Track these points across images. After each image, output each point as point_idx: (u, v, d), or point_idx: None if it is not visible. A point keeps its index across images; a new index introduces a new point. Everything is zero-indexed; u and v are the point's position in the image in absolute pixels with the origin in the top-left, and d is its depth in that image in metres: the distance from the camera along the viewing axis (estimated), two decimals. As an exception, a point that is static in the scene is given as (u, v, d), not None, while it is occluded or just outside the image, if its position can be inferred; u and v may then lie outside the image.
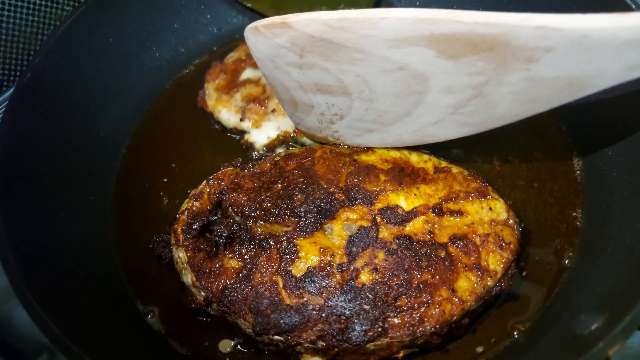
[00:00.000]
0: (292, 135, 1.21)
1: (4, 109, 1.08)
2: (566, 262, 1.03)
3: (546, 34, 0.76)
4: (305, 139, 1.20)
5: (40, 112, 1.14)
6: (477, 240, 0.96)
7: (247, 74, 1.31)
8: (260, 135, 1.22)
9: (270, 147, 1.23)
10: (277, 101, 1.21)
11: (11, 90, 1.11)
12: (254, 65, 1.31)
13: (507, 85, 0.86)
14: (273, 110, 1.22)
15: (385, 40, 0.86)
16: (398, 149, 1.12)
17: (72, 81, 1.24)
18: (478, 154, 1.19)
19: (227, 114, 1.27)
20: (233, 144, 1.28)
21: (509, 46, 0.80)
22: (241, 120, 1.25)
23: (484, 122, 0.97)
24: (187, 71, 1.49)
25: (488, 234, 0.96)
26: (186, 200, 1.09)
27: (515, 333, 0.96)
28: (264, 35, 0.94)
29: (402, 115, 1.01)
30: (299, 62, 0.96)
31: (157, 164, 1.28)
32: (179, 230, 1.04)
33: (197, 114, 1.35)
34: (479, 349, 0.95)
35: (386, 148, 1.12)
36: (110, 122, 1.33)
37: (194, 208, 1.06)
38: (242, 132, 1.26)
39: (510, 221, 0.99)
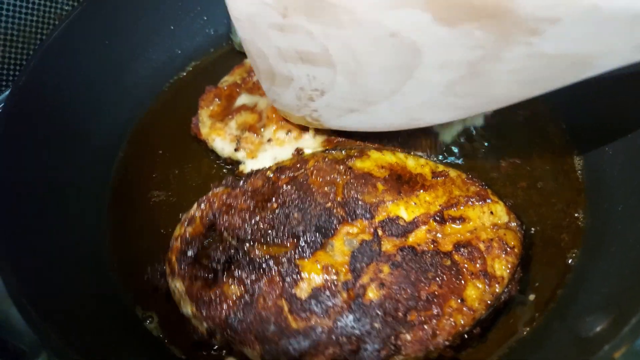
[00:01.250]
0: None
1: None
2: (570, 262, 1.02)
3: (555, 1, 0.70)
4: None
5: (34, 117, 1.12)
6: (482, 246, 0.94)
7: (243, 99, 1.25)
8: (256, 165, 1.15)
9: None
10: (273, 129, 1.18)
11: (9, 91, 1.13)
12: (250, 91, 1.26)
13: (506, 62, 0.79)
14: (269, 140, 1.17)
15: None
16: (393, 152, 1.09)
17: (67, 86, 1.21)
18: (477, 155, 1.17)
19: (222, 143, 1.20)
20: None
21: (513, 14, 0.73)
22: (236, 150, 1.18)
23: (476, 104, 0.90)
24: (184, 74, 1.46)
25: (491, 239, 0.95)
26: (178, 226, 1.05)
27: (520, 336, 0.96)
28: None
29: (389, 92, 0.93)
30: (282, 24, 0.89)
31: (155, 168, 1.26)
32: (174, 259, 0.99)
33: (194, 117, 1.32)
34: (489, 356, 0.94)
35: (381, 152, 1.09)
36: (107, 126, 1.30)
37: (187, 234, 1.02)
38: (237, 163, 1.20)
39: (512, 224, 0.98)
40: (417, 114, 0.96)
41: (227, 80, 1.32)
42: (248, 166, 1.17)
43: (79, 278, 1.02)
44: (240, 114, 1.22)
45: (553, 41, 0.74)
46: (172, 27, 1.45)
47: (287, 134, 1.17)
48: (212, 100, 1.26)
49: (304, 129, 1.17)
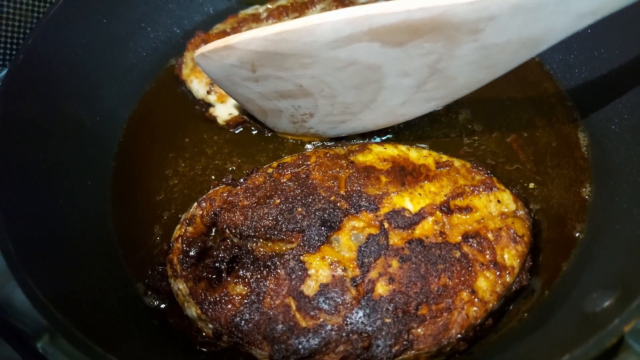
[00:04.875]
0: None
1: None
2: (575, 240, 1.01)
3: (484, 4, 0.75)
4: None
5: (33, 96, 1.09)
6: (490, 236, 0.93)
7: None
8: (224, 110, 1.23)
9: (232, 123, 1.23)
10: None
11: (6, 70, 1.09)
12: None
13: (461, 57, 0.86)
14: None
15: (328, 42, 0.85)
16: (395, 145, 1.07)
17: (66, 64, 1.18)
18: (481, 135, 1.16)
19: (198, 85, 1.27)
20: (230, 133, 1.26)
21: (450, 24, 0.79)
22: (208, 93, 1.25)
23: (449, 94, 0.98)
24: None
25: (500, 229, 0.94)
26: (178, 227, 1.02)
27: (524, 314, 0.95)
28: (213, 59, 0.94)
29: (368, 102, 1.01)
30: (254, 77, 0.96)
31: (156, 147, 1.25)
32: (175, 260, 0.96)
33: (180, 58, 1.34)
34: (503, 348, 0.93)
35: (383, 146, 1.07)
36: (107, 106, 1.28)
37: (188, 234, 0.99)
38: (209, 105, 1.26)
39: (520, 212, 0.97)
40: (401, 111, 1.04)
41: (218, 27, 1.35)
42: (217, 109, 1.24)
43: (82, 259, 1.01)
44: None
45: (496, 33, 0.80)
46: (170, 6, 1.44)
47: None
48: (199, 44, 1.29)
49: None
